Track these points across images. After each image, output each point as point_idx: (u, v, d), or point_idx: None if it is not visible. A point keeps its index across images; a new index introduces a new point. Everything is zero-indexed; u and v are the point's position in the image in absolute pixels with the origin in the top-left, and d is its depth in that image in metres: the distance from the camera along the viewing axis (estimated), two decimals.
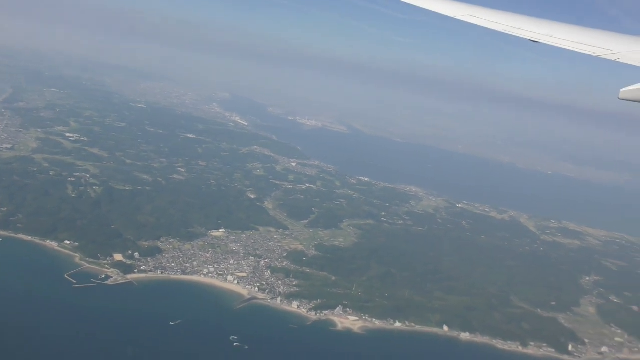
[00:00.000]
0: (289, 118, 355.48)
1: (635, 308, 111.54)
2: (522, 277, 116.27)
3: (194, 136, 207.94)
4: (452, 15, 16.33)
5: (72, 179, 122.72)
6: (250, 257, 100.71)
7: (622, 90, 9.69)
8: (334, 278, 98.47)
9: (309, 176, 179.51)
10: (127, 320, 72.66)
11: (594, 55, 12.05)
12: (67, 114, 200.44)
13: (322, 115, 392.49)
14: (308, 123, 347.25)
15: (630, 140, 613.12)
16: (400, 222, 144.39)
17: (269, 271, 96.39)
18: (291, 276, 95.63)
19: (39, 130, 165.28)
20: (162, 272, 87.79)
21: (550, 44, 13.20)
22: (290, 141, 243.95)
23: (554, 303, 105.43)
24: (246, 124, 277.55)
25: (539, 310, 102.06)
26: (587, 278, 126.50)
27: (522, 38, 13.93)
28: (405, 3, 18.67)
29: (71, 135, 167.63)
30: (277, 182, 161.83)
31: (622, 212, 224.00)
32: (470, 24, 15.85)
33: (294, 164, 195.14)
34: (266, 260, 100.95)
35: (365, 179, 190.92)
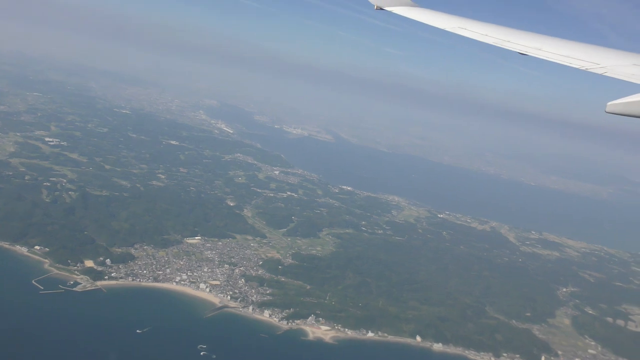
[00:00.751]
0: (275, 126, 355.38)
1: (610, 320, 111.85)
2: (498, 287, 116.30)
3: (177, 143, 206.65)
4: (443, 28, 16.42)
5: (48, 184, 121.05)
6: (225, 265, 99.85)
7: (609, 103, 9.73)
8: (308, 287, 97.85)
9: (291, 184, 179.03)
10: (92, 327, 71.41)
11: (582, 68, 12.14)
12: (49, 118, 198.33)
13: (309, 124, 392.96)
14: (294, 131, 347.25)
15: (616, 153, 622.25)
16: (380, 232, 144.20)
17: (243, 279, 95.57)
18: (265, 285, 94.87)
19: (17, 134, 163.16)
20: (132, 279, 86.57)
21: (539, 56, 13.33)
22: (274, 149, 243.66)
23: (528, 314, 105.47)
24: (231, 131, 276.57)
25: (513, 321, 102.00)
26: (564, 289, 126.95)
27: (512, 50, 14.14)
28: (396, 15, 18.85)
29: (51, 139, 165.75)
30: (258, 190, 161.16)
31: (603, 225, 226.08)
32: (461, 36, 16.03)
33: (276, 172, 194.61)
34: (241, 269, 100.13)
35: (348, 188, 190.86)
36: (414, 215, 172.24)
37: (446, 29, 16.25)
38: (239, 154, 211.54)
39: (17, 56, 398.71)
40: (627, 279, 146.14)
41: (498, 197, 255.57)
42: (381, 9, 18.82)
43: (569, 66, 12.47)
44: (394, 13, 18.55)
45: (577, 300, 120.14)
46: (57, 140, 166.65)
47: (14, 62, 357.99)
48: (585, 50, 13.20)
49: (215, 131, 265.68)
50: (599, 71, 11.78)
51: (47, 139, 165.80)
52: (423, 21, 17.37)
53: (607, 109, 9.73)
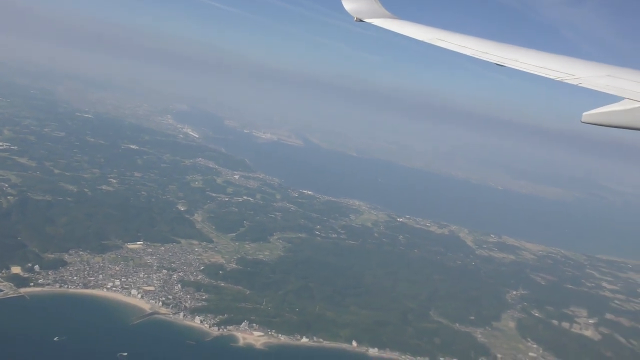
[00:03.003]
0: (245, 131, 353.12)
1: (555, 322, 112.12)
2: (446, 291, 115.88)
3: (137, 147, 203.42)
4: (421, 39, 16.46)
5: None
6: (163, 271, 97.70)
7: (584, 114, 9.91)
8: (248, 292, 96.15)
9: (249, 189, 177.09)
10: (7, 335, 68.68)
11: (558, 79, 12.35)
12: (3, 122, 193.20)
13: (281, 129, 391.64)
14: (263, 136, 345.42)
15: (589, 159, 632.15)
16: (333, 236, 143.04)
17: (179, 285, 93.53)
18: (202, 290, 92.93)
19: None
20: (60, 286, 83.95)
21: (515, 67, 13.50)
22: (239, 154, 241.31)
23: (472, 317, 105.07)
24: (197, 135, 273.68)
25: (457, 324, 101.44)
26: (514, 292, 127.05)
27: (489, 62, 14.31)
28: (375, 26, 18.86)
29: (1, 144, 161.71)
30: (214, 195, 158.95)
31: (564, 227, 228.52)
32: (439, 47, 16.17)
33: (236, 177, 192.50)
34: (179, 274, 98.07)
35: (309, 192, 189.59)
36: (372, 219, 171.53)
37: (424, 41, 16.34)
38: (200, 159, 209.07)
39: None
40: (579, 281, 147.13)
41: (463, 201, 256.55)
42: (361, 20, 18.81)
43: (545, 77, 12.72)
44: (373, 25, 18.61)
45: (525, 303, 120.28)
46: (7, 144, 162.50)
47: None
48: (561, 62, 13.47)
49: (180, 135, 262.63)
50: (574, 82, 12.08)
51: None
52: (401, 33, 17.45)
53: (583, 119, 9.92)
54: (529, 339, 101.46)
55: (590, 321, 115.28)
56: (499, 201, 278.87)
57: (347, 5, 19.66)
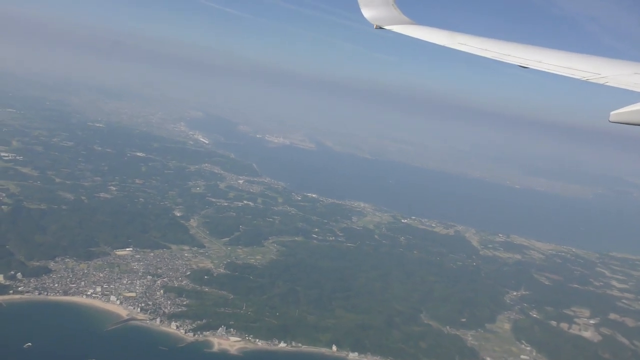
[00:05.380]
0: (257, 136, 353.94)
1: (553, 323, 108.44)
2: (440, 293, 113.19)
3: (143, 154, 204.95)
4: (442, 44, 16.57)
5: None
6: (148, 277, 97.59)
7: (612, 113, 9.85)
8: (231, 297, 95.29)
9: (251, 193, 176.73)
10: None
11: (584, 79, 12.33)
12: (13, 133, 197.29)
13: (294, 133, 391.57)
14: (275, 140, 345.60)
15: (615, 156, 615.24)
16: (331, 239, 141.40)
17: (162, 290, 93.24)
18: (184, 295, 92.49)
19: None
20: (39, 293, 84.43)
21: (540, 69, 13.53)
22: (247, 159, 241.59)
23: (464, 320, 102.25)
24: (207, 142, 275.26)
25: (447, 327, 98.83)
26: (515, 293, 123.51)
27: (512, 64, 14.34)
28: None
29: (6, 154, 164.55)
30: (213, 200, 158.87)
31: (579, 225, 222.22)
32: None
33: (240, 182, 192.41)
34: (164, 280, 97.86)
35: (313, 195, 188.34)
36: (375, 221, 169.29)
37: (446, 45, 16.42)
38: (206, 164, 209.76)
39: (3, 76, 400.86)
40: (586, 280, 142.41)
41: (474, 200, 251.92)
42: (381, 27, 18.92)
43: (570, 77, 12.66)
44: (394, 31, 18.72)
45: (524, 304, 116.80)
46: (13, 154, 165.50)
47: None
48: (587, 61, 13.34)
49: (190, 142, 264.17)
50: (601, 81, 12.02)
51: (3, 154, 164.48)
52: (422, 38, 17.55)
53: (611, 119, 9.90)
54: (523, 341, 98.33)
55: (591, 322, 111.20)
56: (512, 200, 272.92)
57: (366, 13, 19.77)
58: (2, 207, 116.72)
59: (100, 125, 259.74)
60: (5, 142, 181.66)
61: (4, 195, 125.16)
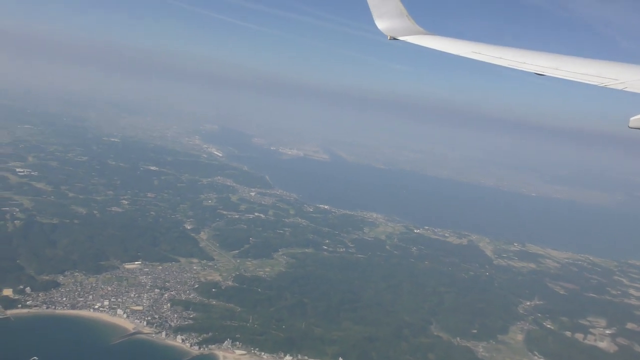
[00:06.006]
0: (271, 148, 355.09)
1: (568, 334, 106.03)
2: (450, 304, 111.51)
3: (157, 168, 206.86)
4: (457, 54, 16.71)
5: None
6: (156, 290, 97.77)
7: (632, 119, 9.92)
8: (239, 309, 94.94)
9: (263, 205, 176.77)
10: None
11: (601, 85, 12.27)
12: (30, 149, 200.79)
13: (308, 144, 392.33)
14: (289, 152, 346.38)
15: (634, 163, 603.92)
16: (341, 250, 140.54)
17: (169, 304, 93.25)
18: (190, 309, 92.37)
19: None
20: (47, 307, 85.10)
21: (556, 76, 13.51)
22: (260, 171, 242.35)
23: (475, 331, 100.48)
24: (220, 155, 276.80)
25: (458, 339, 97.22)
26: (528, 303, 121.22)
27: (528, 72, 14.37)
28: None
29: (22, 170, 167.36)
30: (224, 212, 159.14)
31: (597, 232, 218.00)
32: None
33: (252, 194, 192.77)
34: (172, 293, 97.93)
35: (325, 207, 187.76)
36: (387, 231, 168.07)
37: (460, 55, 16.54)
38: (219, 177, 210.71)
39: (23, 92, 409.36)
40: (603, 289, 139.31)
41: (488, 209, 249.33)
42: (395, 38, 19.19)
43: (587, 83, 12.63)
44: (408, 42, 18.98)
45: (538, 314, 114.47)
46: (28, 170, 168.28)
47: (17, 97, 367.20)
48: (604, 67, 13.32)
49: (204, 155, 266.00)
50: (619, 87, 11.93)
51: (18, 169, 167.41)
52: (437, 48, 17.74)
53: (631, 124, 9.95)
54: (535, 353, 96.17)
55: (607, 332, 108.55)
56: (528, 208, 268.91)
57: (380, 25, 19.90)
58: (15, 222, 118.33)
59: (116, 139, 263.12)
60: (22, 157, 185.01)
61: (17, 210, 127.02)
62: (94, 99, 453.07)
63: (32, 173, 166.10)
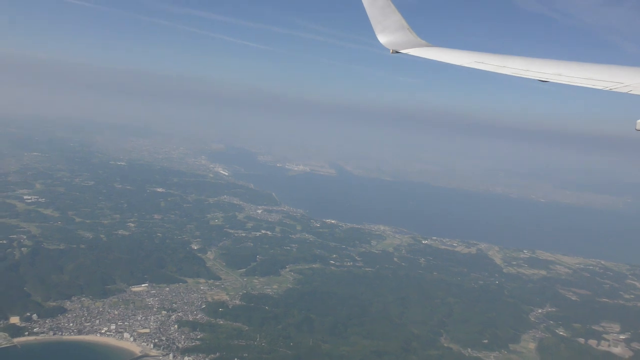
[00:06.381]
0: (277, 165, 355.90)
1: (581, 340, 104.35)
2: (460, 314, 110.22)
3: (163, 189, 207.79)
4: (459, 64, 16.90)
5: (4, 241, 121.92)
6: (163, 312, 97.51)
7: (639, 121, 10.03)
8: (246, 328, 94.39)
9: (269, 222, 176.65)
10: None
11: (606, 89, 12.35)
12: (37, 176, 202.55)
13: (315, 159, 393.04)
14: (295, 168, 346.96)
15: None
16: (349, 264, 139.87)
17: (176, 325, 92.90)
18: (198, 329, 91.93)
19: None
20: (54, 334, 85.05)
21: (560, 82, 13.59)
22: (267, 188, 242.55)
23: (486, 341, 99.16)
24: (227, 174, 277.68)
25: (468, 349, 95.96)
26: (540, 310, 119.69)
27: (531, 79, 14.51)
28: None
29: (29, 197, 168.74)
30: (231, 231, 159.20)
31: (608, 236, 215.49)
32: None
33: (259, 211, 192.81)
34: (179, 314, 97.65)
35: (332, 221, 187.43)
36: (395, 243, 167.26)
37: (463, 65, 16.74)
38: (225, 196, 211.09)
39: (30, 119, 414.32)
40: (616, 293, 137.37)
41: (498, 217, 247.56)
42: (397, 52, 19.24)
43: (591, 88, 12.67)
44: (410, 55, 19.17)
45: (550, 322, 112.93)
46: (35, 197, 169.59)
47: (25, 125, 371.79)
48: (607, 71, 13.36)
49: (210, 175, 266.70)
50: (624, 90, 11.97)
51: (26, 196, 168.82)
52: (440, 60, 17.93)
53: (638, 127, 10.05)
54: None
55: (622, 337, 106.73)
56: (537, 214, 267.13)
57: (383, 39, 20.00)
58: (22, 249, 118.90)
59: (122, 163, 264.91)
60: (29, 185, 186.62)
61: (24, 237, 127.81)
62: (99, 123, 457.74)
63: (40, 199, 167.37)
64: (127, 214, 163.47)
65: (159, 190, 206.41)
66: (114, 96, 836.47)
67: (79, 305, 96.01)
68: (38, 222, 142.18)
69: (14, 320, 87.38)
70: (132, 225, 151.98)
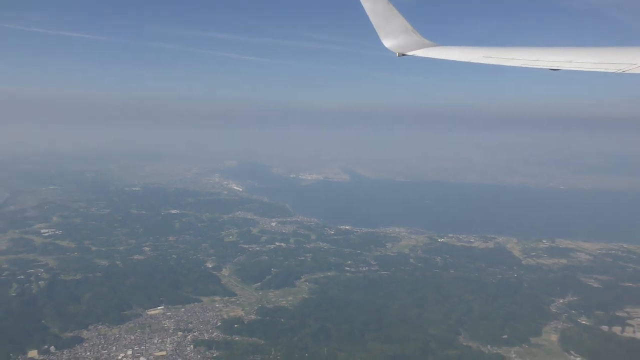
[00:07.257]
0: (291, 176, 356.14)
1: (605, 328, 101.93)
2: (478, 311, 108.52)
3: (178, 211, 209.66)
4: (467, 61, 16.91)
5: (22, 277, 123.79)
6: (179, 333, 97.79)
7: None
8: (262, 342, 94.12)
9: (283, 234, 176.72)
10: None
11: (619, 71, 12.24)
12: (54, 209, 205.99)
13: (327, 167, 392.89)
14: (308, 178, 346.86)
15: None
16: (364, 269, 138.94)
17: (192, 345, 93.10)
18: (213, 348, 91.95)
19: (16, 230, 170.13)
20: None
21: (571, 69, 13.57)
22: (281, 200, 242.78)
23: (505, 336, 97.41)
24: (240, 189, 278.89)
25: (488, 346, 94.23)
26: (561, 301, 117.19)
27: (542, 68, 14.53)
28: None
29: (46, 230, 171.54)
30: (245, 246, 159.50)
31: (630, 219, 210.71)
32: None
33: (273, 224, 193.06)
34: (195, 334, 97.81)
35: (346, 227, 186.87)
36: (411, 244, 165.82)
37: (471, 61, 16.70)
38: (239, 212, 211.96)
39: (46, 155, 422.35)
40: None
41: (515, 209, 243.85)
42: (404, 54, 19.44)
43: (604, 72, 12.57)
44: (417, 56, 19.32)
45: (572, 311, 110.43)
46: (52, 230, 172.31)
47: (41, 161, 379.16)
48: (619, 53, 13.23)
49: (224, 192, 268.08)
50: (637, 71, 11.91)
51: (43, 230, 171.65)
52: (447, 58, 18.02)
53: None
54: (571, 352, 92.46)
55: None
56: (556, 202, 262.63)
57: (388, 43, 20.06)
58: (40, 282, 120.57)
59: (137, 188, 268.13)
60: (46, 219, 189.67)
61: (42, 270, 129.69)
62: (113, 151, 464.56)
63: (57, 232, 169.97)
64: (142, 238, 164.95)
65: (174, 212, 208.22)
66: (125, 124, 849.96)
67: (96, 334, 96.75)
68: (55, 255, 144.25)
69: (32, 354, 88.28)
70: (148, 249, 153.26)
